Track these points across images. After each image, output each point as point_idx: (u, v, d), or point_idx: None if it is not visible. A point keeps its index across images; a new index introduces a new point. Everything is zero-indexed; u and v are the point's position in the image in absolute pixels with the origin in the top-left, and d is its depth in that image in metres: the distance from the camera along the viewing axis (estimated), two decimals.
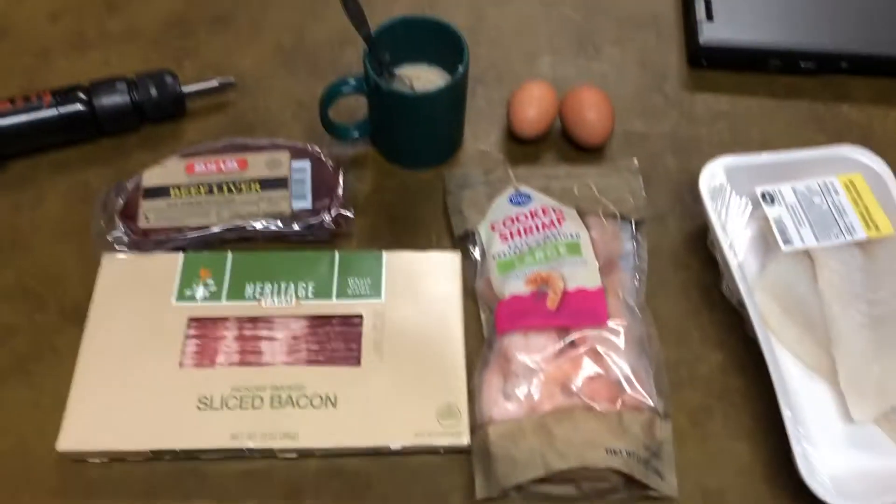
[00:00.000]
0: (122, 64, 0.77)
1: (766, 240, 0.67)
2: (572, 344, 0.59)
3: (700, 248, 0.68)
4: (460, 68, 0.65)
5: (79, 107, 0.70)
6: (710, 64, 0.78)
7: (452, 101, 0.68)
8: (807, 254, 0.64)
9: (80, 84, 0.71)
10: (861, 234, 0.64)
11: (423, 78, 0.71)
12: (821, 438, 0.59)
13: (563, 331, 0.60)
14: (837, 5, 0.78)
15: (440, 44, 0.69)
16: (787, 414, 0.57)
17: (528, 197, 0.68)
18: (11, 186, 0.71)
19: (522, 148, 0.74)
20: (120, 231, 0.65)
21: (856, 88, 0.78)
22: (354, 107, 0.74)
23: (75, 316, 0.64)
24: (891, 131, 0.75)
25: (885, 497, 0.55)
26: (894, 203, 0.66)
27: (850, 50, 0.76)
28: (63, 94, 0.70)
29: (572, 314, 0.60)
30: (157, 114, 0.72)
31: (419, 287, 0.64)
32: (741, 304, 0.63)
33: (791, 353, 0.63)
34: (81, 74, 0.76)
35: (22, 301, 0.65)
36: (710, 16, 0.77)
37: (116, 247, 0.65)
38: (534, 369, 0.58)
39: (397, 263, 0.65)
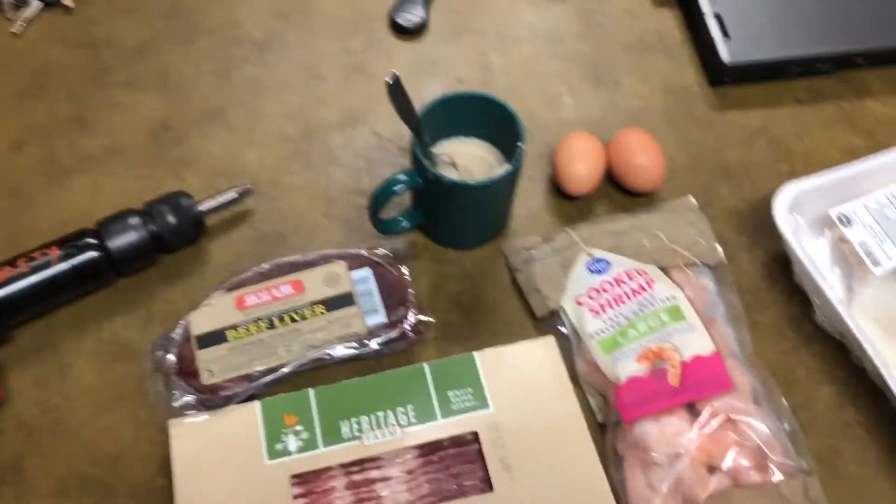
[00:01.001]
0: (116, 188, 0.69)
1: (846, 262, 0.66)
2: (706, 418, 0.56)
3: (780, 280, 0.67)
4: (520, 144, 0.60)
5: (92, 254, 0.61)
6: (733, 81, 0.76)
7: (512, 179, 0.63)
8: (895, 271, 0.63)
9: (85, 228, 0.62)
10: None
11: (460, 152, 0.66)
12: None
13: (690, 406, 0.57)
14: (844, 5, 0.77)
15: (479, 115, 0.64)
16: None
17: (606, 262, 0.64)
18: (28, 359, 0.61)
19: (572, 203, 0.70)
20: (182, 392, 0.57)
21: (874, 82, 0.77)
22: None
23: (150, 496, 0.56)
24: None
25: None
26: None
27: (863, 46, 0.76)
28: (71, 244, 0.61)
29: (696, 386, 0.57)
30: (178, 241, 0.65)
31: (524, 384, 0.59)
32: (841, 333, 0.61)
33: None
34: (71, 209, 0.67)
35: (83, 494, 0.57)
36: (725, 34, 0.75)
37: (184, 412, 0.57)
38: (677, 455, 0.55)
39: (493, 363, 0.60)
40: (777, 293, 0.66)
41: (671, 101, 0.76)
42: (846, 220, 0.65)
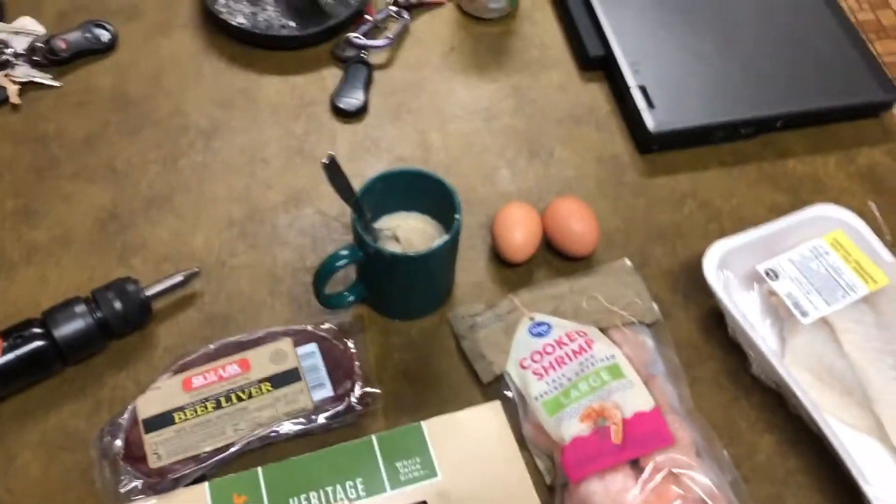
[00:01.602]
0: (63, 278, 0.69)
1: (776, 313, 0.68)
2: (649, 474, 0.57)
3: (714, 334, 0.69)
4: (457, 216, 0.63)
5: (38, 343, 0.61)
6: (660, 148, 0.80)
7: (451, 249, 0.65)
8: (823, 320, 0.66)
9: (30, 318, 0.63)
10: (863, 289, 0.67)
11: (403, 226, 0.68)
12: (890, 498, 0.61)
13: (633, 463, 0.58)
14: (761, 72, 0.82)
15: (417, 190, 0.66)
16: (868, 490, 0.57)
17: (547, 325, 0.66)
18: None
19: (513, 270, 0.72)
20: (130, 477, 0.57)
21: (793, 143, 0.82)
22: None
23: None
24: (833, 177, 0.80)
25: None
26: (874, 249, 0.70)
27: (780, 110, 0.80)
28: (16, 334, 0.61)
29: (639, 443, 0.58)
30: (125, 327, 0.65)
31: (472, 451, 0.60)
32: (777, 383, 0.64)
33: (836, 419, 0.64)
34: (19, 301, 0.68)
35: None
36: (650, 104, 0.79)
37: (131, 497, 0.57)
38: None
39: (440, 431, 0.61)
40: (714, 347, 0.69)
41: (603, 169, 0.79)
42: (773, 275, 0.68)
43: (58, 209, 0.74)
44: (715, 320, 0.69)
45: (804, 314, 0.65)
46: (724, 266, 0.69)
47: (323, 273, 0.62)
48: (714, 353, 0.68)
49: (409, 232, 0.68)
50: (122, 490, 0.57)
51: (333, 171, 0.57)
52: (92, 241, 0.72)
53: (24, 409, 0.63)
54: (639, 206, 0.77)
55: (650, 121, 0.78)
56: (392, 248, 0.66)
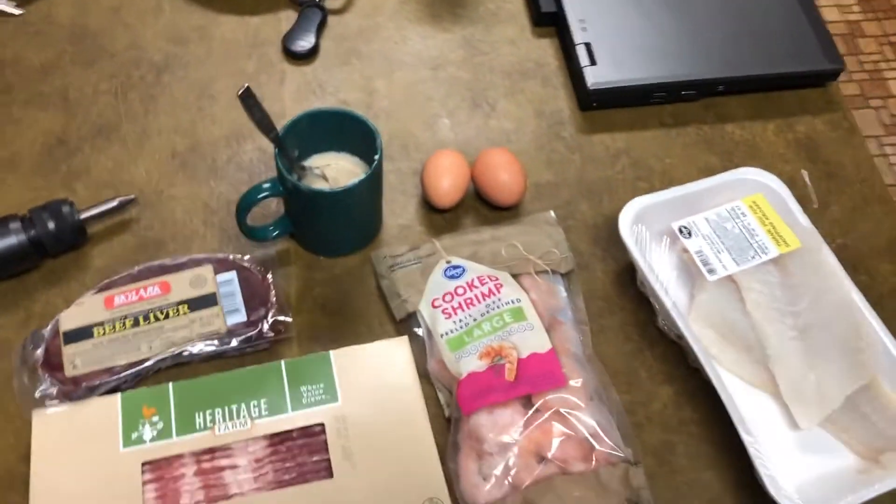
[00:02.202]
0: (7, 198, 0.72)
1: (689, 271, 0.70)
2: (537, 411, 0.60)
3: (629, 287, 0.71)
4: (376, 157, 0.65)
5: None
6: (601, 105, 0.81)
7: (372, 188, 0.67)
8: (730, 279, 0.68)
9: None
10: (774, 251, 0.68)
11: (333, 165, 0.70)
12: (776, 452, 0.63)
13: (524, 399, 0.61)
14: (707, 36, 0.83)
15: (346, 131, 0.68)
16: (748, 439, 0.60)
17: (462, 268, 0.68)
18: None
19: (442, 216, 0.74)
20: (46, 384, 0.61)
21: (734, 108, 0.83)
22: (266, 203, 0.72)
23: (12, 484, 0.59)
24: (771, 143, 0.81)
25: (846, 497, 0.59)
26: (793, 214, 0.71)
27: (723, 74, 0.81)
28: None
29: (531, 381, 0.61)
30: (58, 247, 0.68)
31: (374, 381, 0.63)
32: (679, 336, 0.66)
33: (733, 374, 0.67)
34: None
35: None
36: (593, 61, 0.80)
37: (46, 402, 0.60)
38: (507, 444, 0.59)
39: (346, 361, 0.64)
40: (626, 300, 0.71)
41: (542, 123, 0.81)
42: (687, 232, 0.69)
43: (7, 132, 0.77)
44: (629, 275, 0.71)
45: (711, 271, 0.67)
46: (643, 223, 0.70)
47: (244, 204, 0.65)
48: (625, 305, 0.71)
49: (337, 171, 0.70)
50: (38, 395, 0.60)
51: (249, 102, 0.59)
52: (38, 165, 0.75)
53: None
54: (573, 161, 0.79)
55: (590, 77, 0.79)
56: (319, 186, 0.68)
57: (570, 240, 0.73)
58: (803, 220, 0.71)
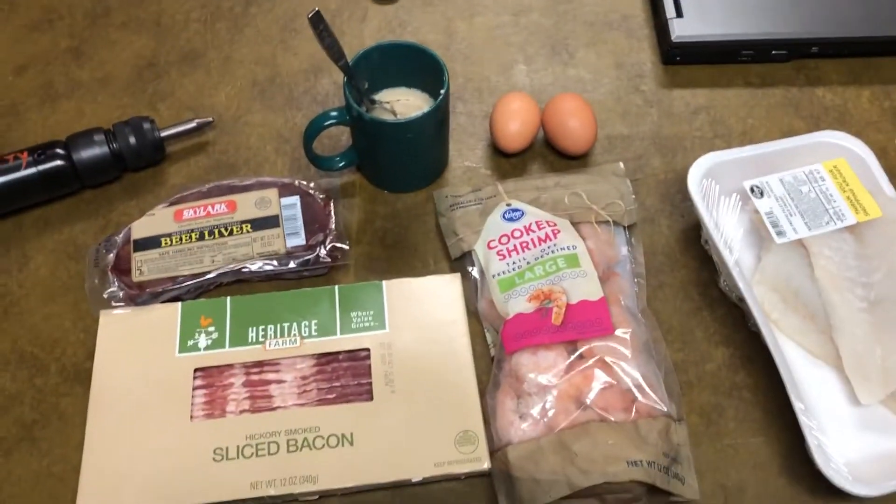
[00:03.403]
0: (96, 113, 0.76)
1: (759, 233, 0.68)
2: (581, 357, 0.59)
3: (694, 246, 0.69)
4: (442, 91, 0.65)
5: (58, 162, 0.68)
6: (684, 60, 0.78)
7: (436, 123, 0.67)
8: (800, 243, 0.65)
9: (56, 139, 0.70)
10: (851, 218, 0.65)
11: (403, 101, 0.71)
12: (832, 425, 0.60)
13: (570, 345, 0.60)
14: None
15: (418, 67, 0.68)
16: (798, 406, 0.57)
17: (521, 212, 0.68)
18: None
19: (509, 161, 0.74)
20: (114, 287, 0.64)
21: (828, 71, 0.79)
22: (337, 135, 0.74)
23: (78, 377, 0.63)
24: (864, 110, 0.76)
25: None
26: (878, 183, 0.68)
27: (818, 34, 0.77)
28: (40, 151, 0.69)
29: (578, 327, 0.60)
30: (138, 161, 0.72)
31: (423, 313, 0.64)
32: (741, 299, 0.63)
33: (795, 342, 0.64)
34: (56, 127, 0.75)
35: (20, 367, 0.64)
36: (679, 13, 0.77)
37: (113, 303, 0.64)
38: (546, 386, 0.58)
39: (398, 292, 0.65)
40: (689, 259, 0.69)
41: (622, 75, 0.79)
42: (759, 192, 0.67)
43: (102, 53, 0.80)
44: (696, 234, 0.69)
45: (780, 234, 0.64)
46: (715, 180, 0.68)
47: (311, 130, 0.66)
48: (688, 263, 0.69)
49: (406, 107, 0.70)
50: (105, 296, 0.64)
51: (319, 26, 0.60)
52: (127, 85, 0.78)
53: (44, 220, 0.71)
54: (649, 115, 0.77)
55: (675, 29, 0.77)
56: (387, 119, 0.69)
57: (638, 194, 0.71)
58: (889, 189, 0.67)
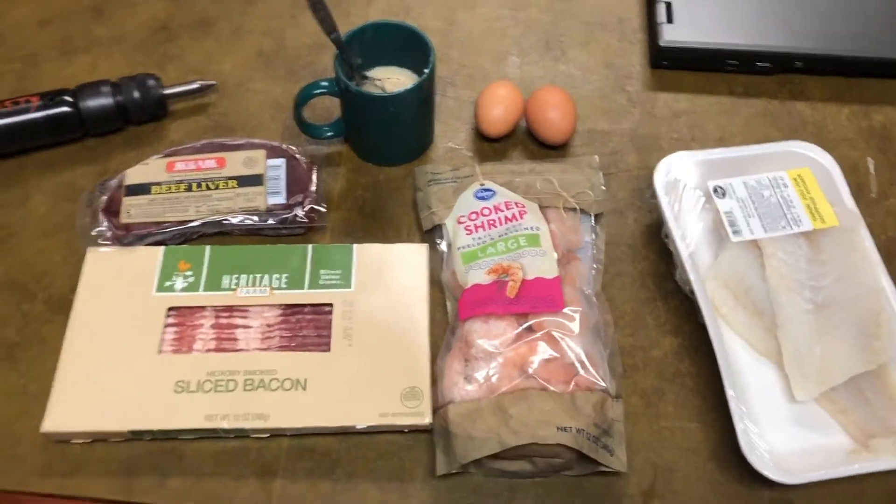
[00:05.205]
0: (109, 68, 0.81)
1: (718, 232, 0.70)
2: (530, 329, 0.63)
3: (657, 240, 0.72)
4: (426, 70, 0.68)
5: (65, 109, 0.73)
6: (671, 65, 0.81)
7: (420, 100, 0.71)
8: (756, 244, 0.67)
9: (66, 87, 0.75)
10: (807, 225, 0.67)
11: (393, 80, 0.74)
12: (766, 418, 0.63)
13: (521, 317, 0.63)
14: (792, 8, 0.81)
15: (409, 47, 0.72)
16: (730, 393, 0.60)
17: (493, 192, 0.71)
18: None
19: (490, 145, 0.77)
20: (103, 226, 0.68)
21: (811, 87, 0.81)
22: (329, 107, 0.78)
23: (61, 307, 0.67)
24: (842, 127, 0.79)
25: (820, 471, 0.58)
26: (839, 195, 0.70)
27: (803, 49, 0.79)
28: (50, 97, 0.73)
29: (530, 301, 0.63)
30: (140, 115, 0.76)
31: (388, 277, 0.67)
32: (693, 292, 0.66)
33: (741, 338, 0.66)
34: (69, 78, 0.80)
35: (10, 293, 0.68)
36: (670, 19, 0.80)
37: (100, 241, 0.68)
38: (493, 353, 0.61)
39: (367, 255, 0.68)
40: (650, 252, 0.72)
41: (609, 75, 0.82)
42: (721, 192, 0.69)
43: (121, 14, 0.85)
44: (660, 230, 0.72)
45: (736, 232, 0.67)
46: (684, 179, 0.71)
47: (301, 97, 0.70)
48: (649, 256, 0.71)
49: (395, 85, 0.74)
50: (94, 233, 0.68)
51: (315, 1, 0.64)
52: (140, 44, 0.83)
53: (47, 163, 0.75)
54: (631, 114, 0.80)
55: (664, 34, 0.80)
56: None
57: (609, 187, 0.74)
58: (849, 201, 0.69)
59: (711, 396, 0.64)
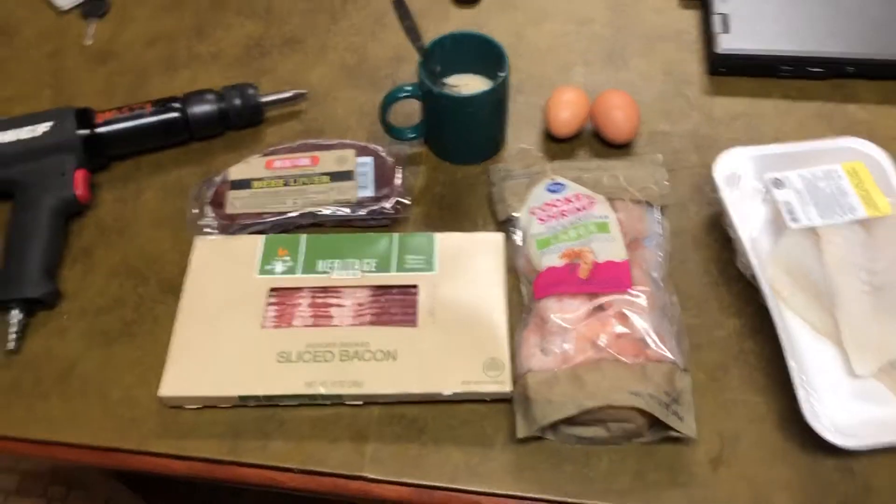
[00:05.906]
0: (209, 81, 0.89)
1: (777, 221, 0.75)
2: (601, 307, 0.68)
3: (718, 230, 0.76)
4: (500, 74, 0.75)
5: (174, 114, 0.81)
6: (728, 72, 0.87)
7: (494, 102, 0.77)
8: (814, 231, 0.72)
9: (175, 96, 0.83)
10: (861, 212, 0.71)
11: (470, 85, 0.81)
12: (827, 393, 0.66)
13: (593, 296, 0.68)
14: (843, 15, 0.86)
15: (484, 56, 0.79)
16: (791, 364, 0.64)
17: (563, 185, 0.77)
18: (117, 183, 0.82)
19: (559, 145, 0.83)
20: (210, 217, 0.76)
21: (864, 91, 0.85)
22: (410, 112, 0.84)
23: (172, 289, 0.74)
24: (893, 128, 0.83)
25: (881, 437, 0.62)
26: (893, 187, 0.74)
27: (855, 55, 0.84)
28: (161, 104, 0.82)
29: (601, 282, 0.69)
30: (240, 121, 0.84)
31: (467, 262, 0.73)
32: (754, 276, 0.70)
33: (801, 318, 0.71)
34: (174, 90, 0.88)
35: (127, 278, 0.76)
36: (726, 29, 0.86)
37: (207, 230, 0.75)
38: (567, 328, 0.67)
39: (448, 243, 0.74)
40: (713, 240, 0.76)
41: (669, 81, 0.88)
42: (779, 183, 0.74)
43: (219, 34, 0.94)
44: (721, 220, 0.77)
45: (794, 220, 0.71)
46: (743, 174, 0.75)
47: (387, 99, 0.77)
48: (711, 245, 0.76)
49: (472, 90, 0.81)
50: (201, 223, 0.75)
51: (401, 9, 0.71)
52: (236, 60, 0.92)
53: (158, 163, 0.83)
54: (691, 116, 0.85)
55: (720, 43, 0.85)
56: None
57: (673, 183, 0.79)
58: None
59: (774, 373, 0.68)
